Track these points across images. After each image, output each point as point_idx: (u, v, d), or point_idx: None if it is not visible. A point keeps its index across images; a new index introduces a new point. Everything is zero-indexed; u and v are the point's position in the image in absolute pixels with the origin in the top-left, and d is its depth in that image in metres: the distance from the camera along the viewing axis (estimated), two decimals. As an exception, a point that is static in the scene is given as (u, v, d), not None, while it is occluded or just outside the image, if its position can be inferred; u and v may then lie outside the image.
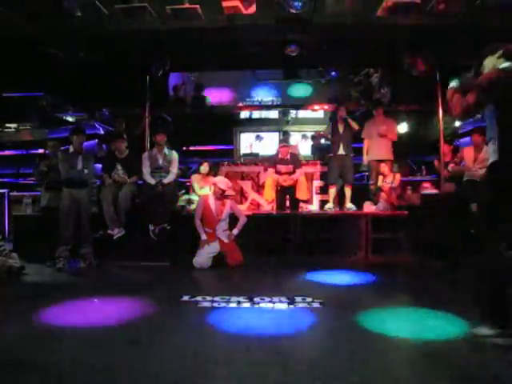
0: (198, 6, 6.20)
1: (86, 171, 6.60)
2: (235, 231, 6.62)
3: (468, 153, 7.30)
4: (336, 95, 11.16)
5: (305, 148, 11.50)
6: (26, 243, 6.91)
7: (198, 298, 4.55)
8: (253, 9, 6.35)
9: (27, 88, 9.22)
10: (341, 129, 8.10)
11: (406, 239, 7.00)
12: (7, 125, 11.61)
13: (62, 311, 4.23)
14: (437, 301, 4.40)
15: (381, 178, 8.13)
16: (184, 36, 6.98)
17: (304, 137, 11.87)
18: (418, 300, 4.56)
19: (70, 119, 11.18)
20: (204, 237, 6.51)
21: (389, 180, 8.00)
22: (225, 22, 6.62)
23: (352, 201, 8.08)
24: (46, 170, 6.96)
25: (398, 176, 8.09)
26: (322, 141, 10.76)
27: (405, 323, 3.83)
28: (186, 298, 4.60)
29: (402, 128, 10.15)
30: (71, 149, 6.65)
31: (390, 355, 3.12)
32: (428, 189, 8.00)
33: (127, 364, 2.94)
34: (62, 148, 6.98)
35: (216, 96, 11.65)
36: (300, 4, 6.10)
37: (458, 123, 10.39)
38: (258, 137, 11.55)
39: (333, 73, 10.59)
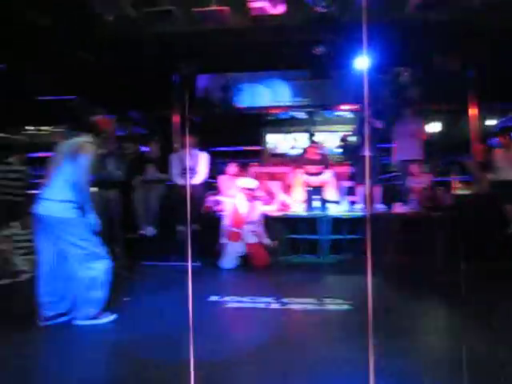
0: (225, 7, 6.22)
1: (116, 172, 6.69)
2: (265, 240, 6.61)
3: (499, 153, 7.12)
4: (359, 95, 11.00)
5: (334, 148, 11.37)
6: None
7: (226, 299, 4.56)
8: (280, 9, 6.33)
9: (60, 91, 9.44)
10: (366, 129, 7.99)
11: (437, 240, 6.86)
12: (42, 128, 11.93)
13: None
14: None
15: (411, 178, 7.99)
16: (211, 38, 7.03)
17: (333, 137, 11.73)
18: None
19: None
20: (225, 240, 6.51)
21: (419, 180, 7.86)
22: (251, 23, 6.63)
23: (381, 201, 7.96)
24: None
25: (428, 176, 7.94)
26: (352, 140, 10.64)
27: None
28: (213, 298, 4.61)
29: (433, 127, 9.97)
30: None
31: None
32: (460, 189, 7.82)
33: (156, 361, 2.97)
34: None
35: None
36: (328, 3, 6.05)
37: (490, 122, 10.16)
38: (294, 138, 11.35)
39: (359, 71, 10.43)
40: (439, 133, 10.18)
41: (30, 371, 2.95)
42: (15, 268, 5.88)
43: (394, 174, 9.75)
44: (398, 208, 7.77)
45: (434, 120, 10.04)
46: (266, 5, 6.18)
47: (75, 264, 3.79)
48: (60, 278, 3.84)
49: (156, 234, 6.79)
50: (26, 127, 12.01)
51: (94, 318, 3.88)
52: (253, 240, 6.56)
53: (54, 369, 2.96)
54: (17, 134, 11.88)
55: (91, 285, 3.83)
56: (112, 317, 3.99)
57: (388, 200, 8.05)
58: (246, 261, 6.50)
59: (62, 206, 3.76)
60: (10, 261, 5.85)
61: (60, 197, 3.78)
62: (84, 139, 3.99)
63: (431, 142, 8.45)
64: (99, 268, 3.88)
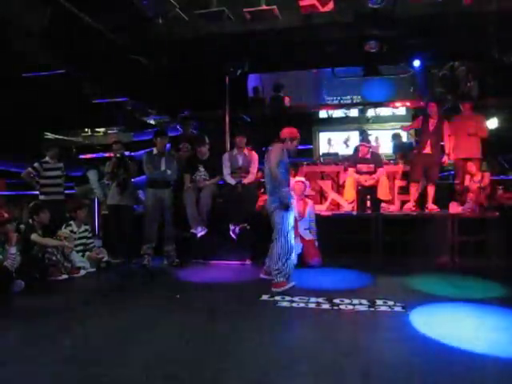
0: (274, 6, 6.21)
1: (168, 172, 6.82)
2: (309, 237, 6.59)
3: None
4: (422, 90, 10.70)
5: (386, 146, 11.13)
6: (115, 241, 7.23)
7: (277, 298, 4.55)
8: (330, 6, 6.24)
9: (114, 94, 9.73)
10: (431, 126, 7.75)
11: (496, 242, 6.58)
12: (97, 129, 12.37)
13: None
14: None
15: (468, 177, 7.70)
16: (262, 37, 7.03)
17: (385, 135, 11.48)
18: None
19: (153, 122, 11.65)
20: None
21: (477, 179, 7.56)
22: (302, 21, 6.58)
23: (436, 201, 7.71)
24: (113, 170, 7.06)
25: (486, 175, 7.62)
26: (404, 139, 10.38)
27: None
28: (265, 297, 4.62)
29: (492, 124, 9.58)
30: (155, 150, 6.90)
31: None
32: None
33: (207, 359, 3.00)
34: (147, 150, 7.23)
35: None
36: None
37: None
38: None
39: (415, 67, 10.15)
40: (498, 129, 9.76)
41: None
42: (74, 264, 6.10)
43: (449, 172, 9.45)
44: (454, 208, 7.52)
45: (492, 116, 9.64)
46: (315, 2, 6.12)
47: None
48: None
49: (207, 233, 6.87)
50: (82, 129, 12.48)
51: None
52: (307, 237, 6.53)
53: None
54: (74, 136, 12.37)
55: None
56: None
57: (444, 200, 7.80)
58: (298, 259, 6.47)
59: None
60: (69, 257, 6.07)
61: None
62: (275, 145, 5.30)
63: (490, 138, 8.10)
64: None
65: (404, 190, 8.32)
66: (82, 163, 8.59)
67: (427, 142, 7.69)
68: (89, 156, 10.65)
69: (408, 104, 11.06)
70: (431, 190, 7.76)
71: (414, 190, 7.82)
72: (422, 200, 7.96)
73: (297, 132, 5.46)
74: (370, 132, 10.72)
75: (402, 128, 9.96)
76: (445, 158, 7.84)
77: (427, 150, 7.69)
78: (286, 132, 5.43)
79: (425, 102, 8.58)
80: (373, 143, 10.18)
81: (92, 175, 8.02)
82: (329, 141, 11.71)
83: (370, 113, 11.94)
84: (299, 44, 7.44)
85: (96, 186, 8.01)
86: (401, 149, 10.02)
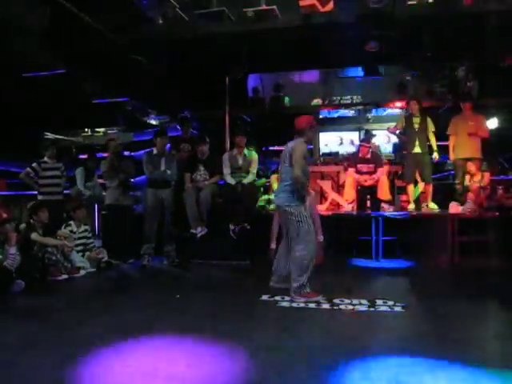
0: (274, 6, 6.21)
1: (168, 172, 6.82)
2: (320, 237, 6.56)
3: None
4: (403, 89, 10.64)
5: (386, 146, 11.10)
6: (115, 241, 7.23)
7: (277, 298, 4.55)
8: (330, 6, 6.24)
9: (114, 94, 9.72)
10: (416, 124, 7.75)
11: (496, 242, 6.58)
12: (96, 129, 12.37)
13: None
14: None
15: (468, 177, 7.71)
16: (262, 37, 7.02)
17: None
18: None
19: (153, 122, 11.65)
20: (273, 246, 6.51)
21: (477, 179, 7.56)
22: (302, 21, 6.57)
23: (436, 201, 7.72)
24: (109, 169, 7.13)
25: (486, 175, 7.63)
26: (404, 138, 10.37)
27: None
28: (265, 297, 4.62)
29: (492, 123, 9.58)
30: (155, 150, 6.90)
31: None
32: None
33: (207, 359, 3.00)
34: (147, 150, 7.23)
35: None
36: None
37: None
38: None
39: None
40: (498, 129, 9.76)
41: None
42: (74, 264, 6.10)
43: (448, 172, 9.45)
44: (454, 208, 7.52)
45: (492, 116, 9.63)
46: (315, 2, 6.12)
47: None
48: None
49: (207, 233, 6.87)
50: (82, 129, 12.48)
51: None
52: None
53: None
54: (74, 136, 12.38)
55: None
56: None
57: (444, 200, 7.81)
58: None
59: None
60: (69, 257, 6.06)
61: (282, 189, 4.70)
62: (297, 141, 4.64)
63: (490, 138, 8.10)
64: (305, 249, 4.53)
65: (404, 190, 8.33)
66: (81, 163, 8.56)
67: (415, 141, 7.69)
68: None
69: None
70: (428, 189, 7.77)
71: (411, 191, 7.83)
72: (421, 200, 7.97)
73: (313, 119, 4.84)
74: (375, 132, 10.73)
75: (388, 129, 9.89)
76: (435, 155, 7.84)
77: (416, 149, 7.69)
78: (304, 121, 4.71)
79: (406, 101, 8.55)
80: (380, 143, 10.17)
81: (78, 173, 7.97)
82: (340, 141, 11.63)
83: (373, 112, 11.89)
84: (299, 44, 7.43)
85: (80, 182, 7.90)
86: (398, 148, 10.00)
